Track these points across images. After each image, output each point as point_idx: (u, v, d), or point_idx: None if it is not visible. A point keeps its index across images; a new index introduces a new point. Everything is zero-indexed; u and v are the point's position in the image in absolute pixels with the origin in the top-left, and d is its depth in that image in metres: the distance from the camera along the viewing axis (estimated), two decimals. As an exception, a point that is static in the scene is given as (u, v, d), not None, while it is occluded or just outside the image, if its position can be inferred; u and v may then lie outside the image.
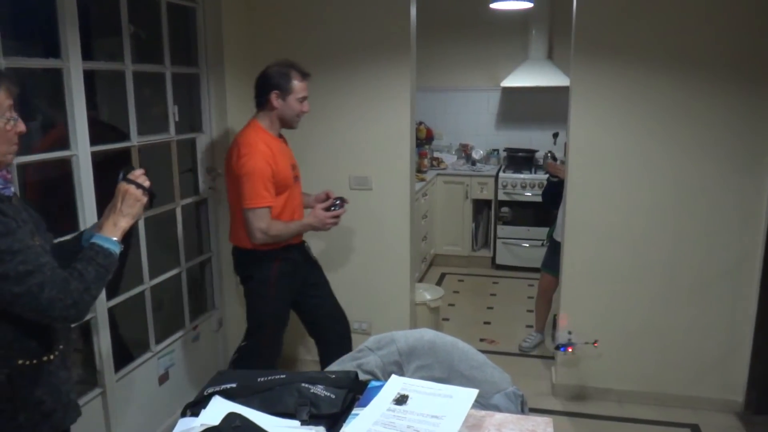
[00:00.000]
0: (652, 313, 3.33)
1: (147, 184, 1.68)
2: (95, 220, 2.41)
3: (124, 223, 1.63)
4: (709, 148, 3.11)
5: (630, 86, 3.14)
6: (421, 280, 5.25)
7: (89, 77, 2.47)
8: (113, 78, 2.72)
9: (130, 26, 2.69)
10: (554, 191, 3.89)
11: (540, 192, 4.45)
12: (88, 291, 1.50)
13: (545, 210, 4.32)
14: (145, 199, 1.68)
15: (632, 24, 3.08)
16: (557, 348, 3.36)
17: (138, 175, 1.68)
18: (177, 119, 3.02)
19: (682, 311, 3.29)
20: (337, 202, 2.84)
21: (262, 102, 2.75)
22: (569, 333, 3.30)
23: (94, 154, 2.45)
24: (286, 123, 2.79)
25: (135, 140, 2.73)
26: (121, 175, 1.69)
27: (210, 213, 3.37)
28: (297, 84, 2.71)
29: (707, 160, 3.12)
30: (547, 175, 4.07)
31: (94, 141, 2.44)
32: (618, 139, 3.20)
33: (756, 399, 3.26)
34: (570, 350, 3.29)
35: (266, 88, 2.72)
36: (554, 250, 3.85)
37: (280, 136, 2.85)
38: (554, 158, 3.93)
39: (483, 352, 1.84)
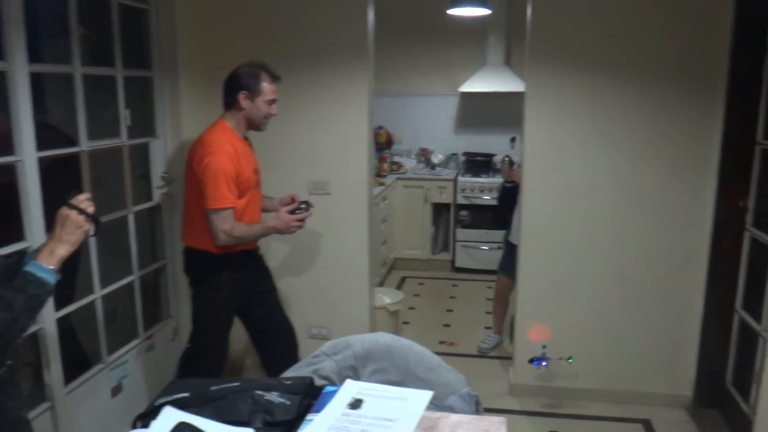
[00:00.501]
0: (604, 313, 3.41)
1: (90, 210, 1.60)
2: (42, 229, 2.34)
3: (62, 251, 1.55)
4: (659, 152, 3.20)
5: (583, 92, 3.21)
6: (381, 284, 5.26)
7: (37, 80, 2.40)
8: (63, 81, 2.65)
9: (80, 28, 2.63)
10: (509, 195, 3.95)
11: (498, 196, 4.51)
12: (15, 322, 1.44)
13: (503, 213, 4.39)
14: (87, 226, 1.60)
15: (586, 31, 3.15)
16: (531, 362, 3.40)
17: (81, 200, 1.60)
18: (129, 123, 2.96)
19: (634, 311, 3.38)
20: (303, 205, 2.82)
21: (230, 102, 2.72)
22: (543, 347, 3.34)
23: (41, 160, 2.38)
24: (254, 125, 2.76)
25: (85, 145, 2.66)
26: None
27: (164, 219, 3.31)
28: (266, 86, 2.69)
29: (657, 165, 3.22)
30: (502, 180, 4.13)
31: (43, 146, 2.37)
32: (571, 144, 3.27)
33: (704, 393, 3.37)
34: (544, 364, 3.31)
35: (235, 88, 2.68)
36: (510, 252, 3.91)
37: (246, 138, 2.82)
38: (511, 163, 3.99)
39: (442, 354, 1.85)
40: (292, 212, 2.79)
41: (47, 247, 1.55)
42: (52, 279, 1.52)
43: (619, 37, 3.13)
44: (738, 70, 2.99)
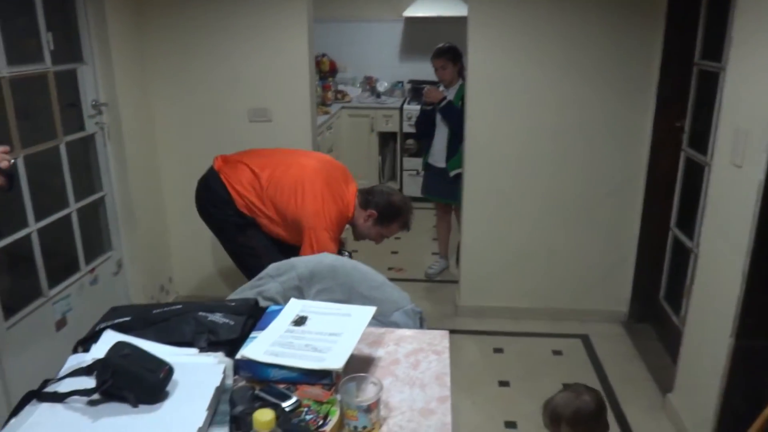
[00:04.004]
0: (545, 233, 3.51)
1: (3, 164, 1.49)
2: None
3: None
4: (598, 77, 3.23)
5: (525, 15, 3.18)
6: (329, 215, 5.24)
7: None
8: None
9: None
10: (427, 119, 3.98)
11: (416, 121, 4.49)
12: None
13: (421, 136, 4.43)
14: None
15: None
16: None
17: None
18: (52, 48, 2.77)
19: (573, 231, 3.49)
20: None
21: (365, 204, 2.73)
22: None
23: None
24: (359, 234, 2.82)
25: (4, 71, 2.49)
26: None
27: (99, 149, 3.17)
28: (395, 228, 2.80)
29: (598, 86, 3.25)
30: (421, 104, 4.13)
31: None
32: (513, 67, 3.26)
33: (638, 309, 3.56)
34: None
35: (373, 204, 2.72)
36: (430, 175, 4.10)
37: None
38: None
39: (391, 280, 1.87)
40: None
41: None
42: None
43: (562, -44, 3.09)
44: (677, -10, 3.02)
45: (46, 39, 2.74)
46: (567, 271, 3.56)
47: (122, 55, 3.13)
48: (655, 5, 3.07)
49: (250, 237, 2.69)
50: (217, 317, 1.50)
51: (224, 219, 2.71)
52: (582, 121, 3.31)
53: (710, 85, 2.79)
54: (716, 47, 2.72)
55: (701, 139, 2.93)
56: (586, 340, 3.44)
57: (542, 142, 3.36)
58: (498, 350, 3.34)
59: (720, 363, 2.26)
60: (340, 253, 2.88)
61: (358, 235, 2.85)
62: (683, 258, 3.13)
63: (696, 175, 2.99)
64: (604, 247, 3.50)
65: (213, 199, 2.72)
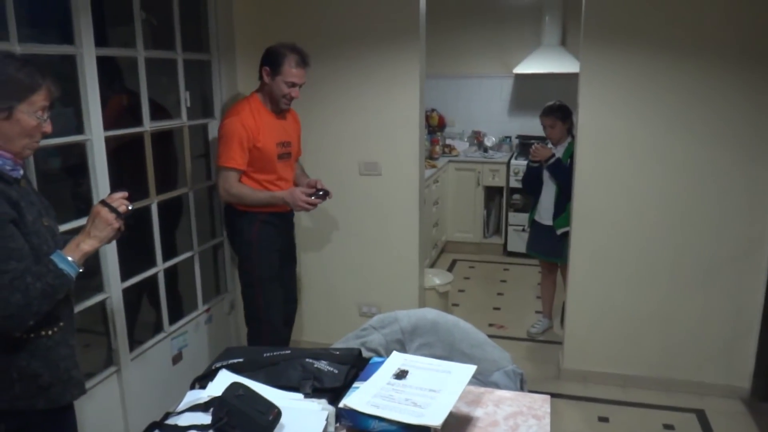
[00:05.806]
0: (659, 299, 3.34)
1: (122, 209, 1.62)
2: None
3: (88, 246, 1.58)
4: (719, 134, 3.10)
5: (640, 72, 3.13)
6: (432, 266, 5.29)
7: (106, 63, 2.53)
8: (128, 64, 2.78)
9: (142, 13, 2.74)
10: (534, 176, 3.96)
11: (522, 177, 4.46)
12: (28, 306, 1.47)
13: (527, 192, 4.42)
14: (117, 225, 1.61)
15: (642, 8, 3.06)
16: None
17: (115, 198, 1.63)
18: (189, 105, 3.07)
19: (690, 297, 3.30)
20: (320, 192, 2.91)
21: (259, 76, 2.89)
22: None
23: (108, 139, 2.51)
24: (274, 102, 2.88)
25: (147, 125, 2.79)
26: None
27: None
28: (288, 69, 2.79)
29: (717, 147, 3.11)
30: (528, 160, 4.11)
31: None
32: (627, 125, 3.20)
33: (763, 386, 3.27)
34: None
35: (262, 63, 2.85)
36: (537, 232, 4.03)
37: (281, 113, 2.94)
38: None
39: (491, 337, 1.88)
40: (310, 195, 2.88)
41: (76, 240, 1.59)
42: (72, 272, 1.55)
43: (679, 15, 3.02)
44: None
45: (185, 97, 3.04)
46: (683, 339, 3.35)
47: (248, 112, 3.39)
48: (782, 64, 2.93)
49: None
50: (323, 365, 1.57)
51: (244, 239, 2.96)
52: (700, 182, 3.16)
53: None
54: None
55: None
56: (701, 415, 3.20)
57: (657, 202, 3.24)
58: (603, 419, 3.18)
59: None
60: (316, 193, 2.88)
61: (280, 103, 2.85)
62: (816, 333, 2.87)
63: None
64: (726, 316, 3.28)
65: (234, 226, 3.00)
